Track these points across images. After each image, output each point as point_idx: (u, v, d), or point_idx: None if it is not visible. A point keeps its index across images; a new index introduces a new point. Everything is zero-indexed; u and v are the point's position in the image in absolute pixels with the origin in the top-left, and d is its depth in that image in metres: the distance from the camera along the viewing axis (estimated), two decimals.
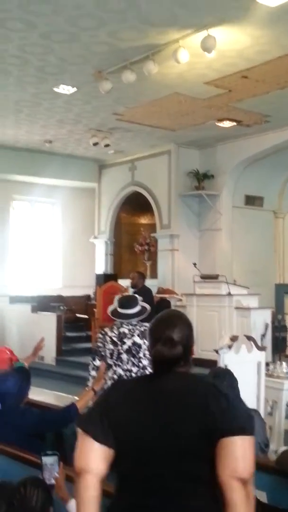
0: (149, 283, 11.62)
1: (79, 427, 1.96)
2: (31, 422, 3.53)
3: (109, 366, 4.33)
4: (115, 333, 4.41)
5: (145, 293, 8.35)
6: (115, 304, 4.55)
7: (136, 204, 13.27)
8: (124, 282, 11.42)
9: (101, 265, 13.66)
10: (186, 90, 8.46)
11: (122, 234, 13.83)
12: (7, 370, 4.16)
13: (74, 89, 8.43)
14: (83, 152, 12.58)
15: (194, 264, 9.63)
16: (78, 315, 12.84)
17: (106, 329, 4.48)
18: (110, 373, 4.31)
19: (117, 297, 4.59)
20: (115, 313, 4.50)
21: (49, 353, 10.70)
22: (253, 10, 5.91)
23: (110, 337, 4.39)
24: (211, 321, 8.96)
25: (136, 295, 4.75)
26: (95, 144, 10.93)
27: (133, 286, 9.26)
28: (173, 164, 11.89)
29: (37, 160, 12.63)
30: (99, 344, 4.44)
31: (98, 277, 12.77)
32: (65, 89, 8.44)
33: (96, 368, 4.46)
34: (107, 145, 11.06)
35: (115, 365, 4.33)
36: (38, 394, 4.17)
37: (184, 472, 1.85)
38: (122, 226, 13.83)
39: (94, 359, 4.46)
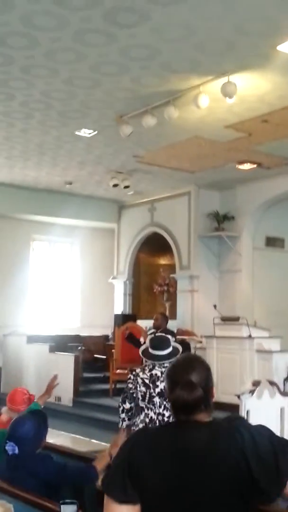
0: (169, 324, 11.57)
1: (102, 490, 1.91)
2: (49, 471, 3.47)
3: (140, 409, 4.29)
4: (146, 375, 4.35)
5: (168, 335, 8.30)
6: (147, 344, 4.51)
7: (155, 244, 13.31)
8: (143, 323, 11.38)
9: (119, 306, 13.64)
10: (206, 134, 8.56)
11: (141, 274, 13.85)
12: (24, 413, 4.12)
13: (95, 132, 8.57)
14: (102, 193, 12.71)
15: (214, 306, 9.57)
16: (96, 355, 12.77)
17: (138, 370, 4.43)
18: (142, 416, 4.27)
19: (149, 337, 4.56)
20: (146, 353, 4.43)
21: (66, 394, 10.60)
22: (273, 57, 6.00)
23: (142, 379, 4.34)
24: (232, 364, 8.84)
25: (169, 336, 4.71)
26: (115, 185, 11.05)
27: (156, 327, 9.17)
28: (193, 205, 11.95)
29: (57, 201, 12.78)
30: (130, 386, 4.39)
31: (117, 317, 12.73)
32: (86, 132, 8.59)
33: (126, 411, 4.41)
34: (126, 187, 11.17)
35: (147, 408, 4.27)
36: (55, 436, 4.12)
37: None
38: (141, 266, 13.86)
39: (124, 402, 4.42)
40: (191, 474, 1.83)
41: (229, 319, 9.45)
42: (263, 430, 1.91)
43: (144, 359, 4.52)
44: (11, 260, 13.14)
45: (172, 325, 11.30)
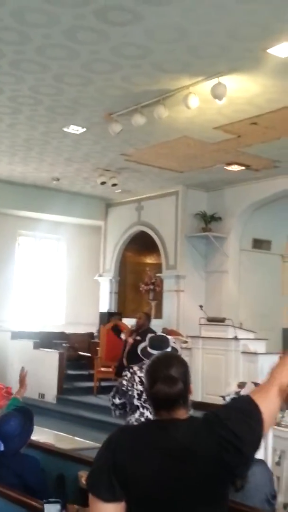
0: (154, 323, 11.55)
1: (88, 490, 1.92)
2: (34, 474, 3.45)
3: (135, 407, 4.23)
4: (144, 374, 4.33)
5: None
6: (146, 343, 4.47)
7: (142, 243, 13.31)
8: (128, 321, 11.37)
9: (105, 303, 13.62)
10: (195, 134, 8.57)
11: (127, 273, 13.83)
12: (9, 410, 4.10)
13: (84, 129, 8.55)
14: (90, 190, 12.68)
15: (201, 306, 9.60)
16: (80, 353, 12.75)
17: (135, 368, 4.35)
18: (137, 415, 4.20)
19: (149, 336, 4.51)
20: (145, 352, 4.33)
21: (50, 391, 10.59)
22: (264, 61, 6.02)
23: (140, 377, 4.25)
24: (217, 365, 8.87)
25: (168, 336, 4.68)
26: (103, 183, 11.02)
27: (139, 326, 9.15)
28: (180, 205, 11.96)
29: (44, 197, 12.72)
30: (125, 383, 4.31)
31: (102, 315, 12.71)
32: (75, 129, 8.56)
33: (118, 408, 4.37)
34: (114, 185, 11.15)
35: (143, 407, 4.20)
36: (39, 433, 4.09)
37: None
38: (128, 265, 13.85)
39: (114, 397, 4.34)
40: (174, 470, 1.87)
41: (215, 320, 9.48)
42: (235, 414, 1.96)
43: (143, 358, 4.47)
44: None
45: (157, 324, 11.32)
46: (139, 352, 4.48)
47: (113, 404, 4.38)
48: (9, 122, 8.35)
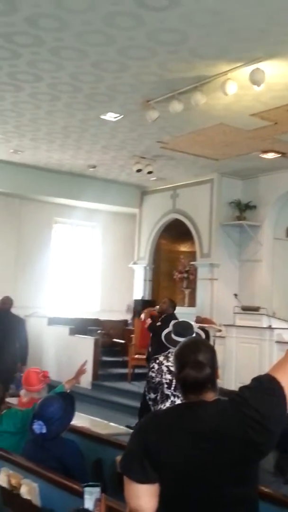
0: (187, 311, 11.61)
1: (122, 473, 1.99)
2: (74, 458, 3.50)
3: (166, 396, 4.21)
4: (171, 363, 4.20)
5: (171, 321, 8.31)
6: (169, 329, 4.45)
7: (176, 231, 13.30)
8: None
9: (139, 291, 13.67)
10: (232, 121, 8.50)
11: (162, 260, 13.85)
12: (52, 394, 4.18)
13: (121, 116, 8.56)
14: (125, 178, 12.71)
15: (235, 295, 9.56)
16: (115, 339, 12.85)
17: (161, 358, 4.33)
18: (168, 403, 4.19)
19: (173, 322, 4.49)
20: (170, 339, 4.34)
21: (85, 377, 10.64)
22: None
23: (167, 367, 4.23)
24: (251, 354, 8.83)
25: (192, 322, 4.66)
26: (138, 170, 11.04)
27: (161, 311, 9.08)
28: (215, 193, 11.90)
29: (79, 184, 12.80)
30: (153, 375, 4.28)
31: (136, 302, 12.77)
32: (112, 116, 8.58)
33: (152, 403, 4.33)
34: (150, 172, 11.15)
35: (174, 395, 4.19)
36: (75, 418, 4.15)
37: (229, 497, 1.93)
38: (162, 252, 13.86)
39: (149, 392, 4.31)
40: (203, 450, 1.92)
41: (249, 309, 9.44)
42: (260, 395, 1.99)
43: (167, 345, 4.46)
44: (33, 242, 13.24)
45: (190, 312, 11.36)
46: (162, 338, 4.46)
47: (150, 399, 4.38)
48: (48, 109, 8.42)
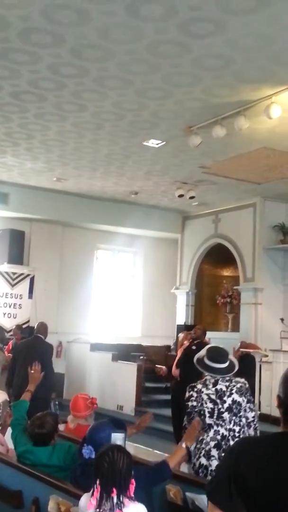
0: (231, 336, 11.47)
1: (207, 496, 1.94)
2: None
3: (208, 426, 4.12)
4: (211, 391, 4.16)
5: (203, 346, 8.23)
6: (202, 354, 4.35)
7: (219, 256, 13.22)
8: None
9: (181, 316, 13.59)
10: (275, 145, 8.45)
11: (204, 285, 13.75)
12: (104, 420, 4.13)
13: (163, 143, 8.61)
14: (167, 203, 12.75)
15: (282, 319, 9.40)
16: (157, 365, 12.75)
17: (199, 386, 4.22)
18: (211, 433, 4.10)
19: (207, 347, 4.39)
20: (203, 364, 4.23)
21: (128, 403, 10.65)
22: None
23: (208, 395, 4.15)
24: None
25: (225, 349, 4.56)
26: (181, 196, 11.05)
27: (195, 338, 8.95)
28: (258, 217, 11.82)
29: (121, 210, 12.89)
30: (194, 404, 4.19)
31: (179, 328, 12.67)
32: (154, 143, 8.64)
33: None
34: (192, 197, 11.16)
35: (216, 424, 4.10)
36: None
37: None
38: (204, 277, 13.77)
39: (189, 422, 4.19)
40: None
41: None
42: None
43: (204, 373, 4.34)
44: (76, 269, 13.36)
45: (234, 337, 11.21)
46: (194, 361, 4.35)
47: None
48: (91, 138, 8.55)
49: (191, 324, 12.94)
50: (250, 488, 1.87)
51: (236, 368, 4.31)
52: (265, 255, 11.72)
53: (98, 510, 2.70)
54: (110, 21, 5.17)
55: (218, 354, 4.30)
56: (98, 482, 2.78)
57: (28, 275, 12.40)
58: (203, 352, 4.33)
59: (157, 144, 8.66)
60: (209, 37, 5.34)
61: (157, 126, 7.90)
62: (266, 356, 9.23)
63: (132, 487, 2.80)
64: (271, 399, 8.58)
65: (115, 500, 2.70)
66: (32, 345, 8.26)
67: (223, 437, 4.07)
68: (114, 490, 2.71)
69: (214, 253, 13.37)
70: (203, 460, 4.10)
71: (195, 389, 4.24)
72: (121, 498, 2.72)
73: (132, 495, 2.78)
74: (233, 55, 5.70)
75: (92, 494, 2.75)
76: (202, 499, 3.41)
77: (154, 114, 7.46)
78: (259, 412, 7.71)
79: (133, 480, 2.84)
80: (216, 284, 13.60)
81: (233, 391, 4.17)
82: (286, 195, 11.43)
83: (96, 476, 2.80)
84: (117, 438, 3.31)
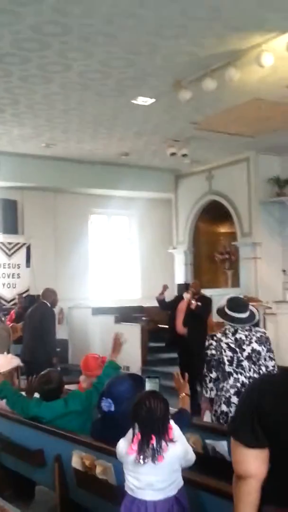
0: (231, 292, 11.45)
1: (230, 435, 1.93)
2: None
3: (228, 374, 4.20)
4: (231, 339, 4.24)
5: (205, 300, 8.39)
6: (222, 304, 4.39)
7: (214, 213, 13.16)
8: (205, 292, 11.31)
9: (180, 275, 13.61)
10: (267, 95, 8.31)
11: (201, 243, 13.73)
12: (123, 374, 4.17)
13: (152, 100, 8.46)
14: (159, 163, 12.62)
15: (284, 271, 9.41)
16: (160, 325, 12.82)
17: (219, 335, 4.30)
18: (231, 381, 4.19)
19: (227, 297, 4.43)
20: (225, 315, 4.30)
21: (135, 364, 10.71)
22: None
23: (227, 343, 4.23)
24: None
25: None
26: (172, 154, 10.90)
27: (197, 292, 8.96)
28: (252, 171, 11.73)
29: (113, 173, 12.76)
30: (213, 352, 4.27)
31: (180, 286, 12.70)
32: (143, 101, 8.49)
33: (214, 380, 4.29)
34: (184, 155, 11.01)
35: (236, 372, 4.18)
36: None
37: None
38: (201, 235, 13.73)
39: (210, 371, 4.28)
40: None
41: None
42: None
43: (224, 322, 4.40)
44: (71, 235, 13.30)
45: (235, 292, 11.18)
46: (216, 313, 4.41)
47: (211, 380, 4.30)
48: (78, 99, 8.39)
49: (189, 283, 12.96)
50: (274, 425, 1.87)
51: (257, 318, 4.41)
52: (262, 209, 11.67)
53: (139, 455, 2.74)
54: None
55: (238, 304, 4.38)
56: (137, 428, 2.80)
57: (24, 244, 12.37)
58: (223, 302, 4.40)
59: (146, 101, 8.51)
60: None
61: (145, 82, 7.74)
62: (269, 308, 9.28)
63: (171, 431, 2.82)
64: (276, 351, 8.64)
65: (155, 446, 2.74)
66: (34, 311, 8.31)
67: (243, 384, 4.14)
68: (153, 436, 2.75)
69: (209, 211, 13.30)
70: (224, 407, 4.20)
71: (215, 338, 4.31)
72: (161, 444, 2.76)
73: (171, 438, 2.81)
74: (220, 2, 5.54)
75: (132, 441, 2.78)
76: (222, 445, 3.45)
77: (141, 71, 7.30)
78: None
79: (171, 424, 2.85)
80: (213, 241, 13.59)
81: (253, 340, 4.25)
82: (279, 147, 11.31)
83: (135, 422, 2.82)
84: (152, 383, 3.36)
